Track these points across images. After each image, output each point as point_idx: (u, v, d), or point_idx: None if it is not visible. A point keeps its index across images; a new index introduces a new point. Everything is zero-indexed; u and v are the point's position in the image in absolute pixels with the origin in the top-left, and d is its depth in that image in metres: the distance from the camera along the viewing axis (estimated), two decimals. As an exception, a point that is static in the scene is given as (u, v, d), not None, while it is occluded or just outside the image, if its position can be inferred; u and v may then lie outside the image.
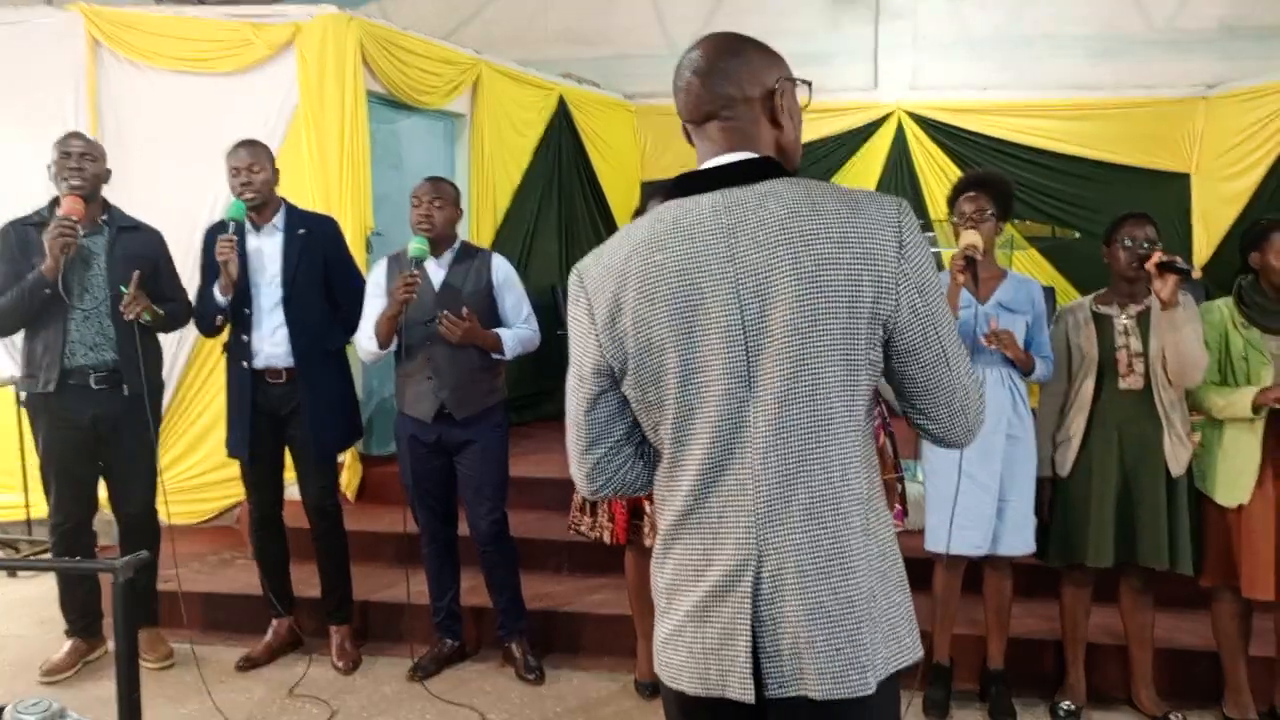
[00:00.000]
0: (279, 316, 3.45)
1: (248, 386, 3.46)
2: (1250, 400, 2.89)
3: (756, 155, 1.40)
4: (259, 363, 3.47)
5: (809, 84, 1.48)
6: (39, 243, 3.29)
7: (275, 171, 3.53)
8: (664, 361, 1.36)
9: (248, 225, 3.47)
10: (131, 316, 3.30)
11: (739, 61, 1.41)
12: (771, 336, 1.32)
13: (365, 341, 3.38)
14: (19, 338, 3.51)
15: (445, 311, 3.25)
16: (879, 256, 1.31)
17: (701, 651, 1.38)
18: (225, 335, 3.58)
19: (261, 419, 3.49)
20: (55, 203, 3.41)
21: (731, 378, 1.33)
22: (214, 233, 3.47)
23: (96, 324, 3.37)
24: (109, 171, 3.50)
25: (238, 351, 3.48)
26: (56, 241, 3.18)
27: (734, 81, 1.40)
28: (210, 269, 3.46)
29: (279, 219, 3.52)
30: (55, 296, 3.27)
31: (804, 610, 1.33)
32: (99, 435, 3.44)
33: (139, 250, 3.46)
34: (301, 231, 3.52)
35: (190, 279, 4.79)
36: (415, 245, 3.26)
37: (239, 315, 3.44)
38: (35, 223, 3.39)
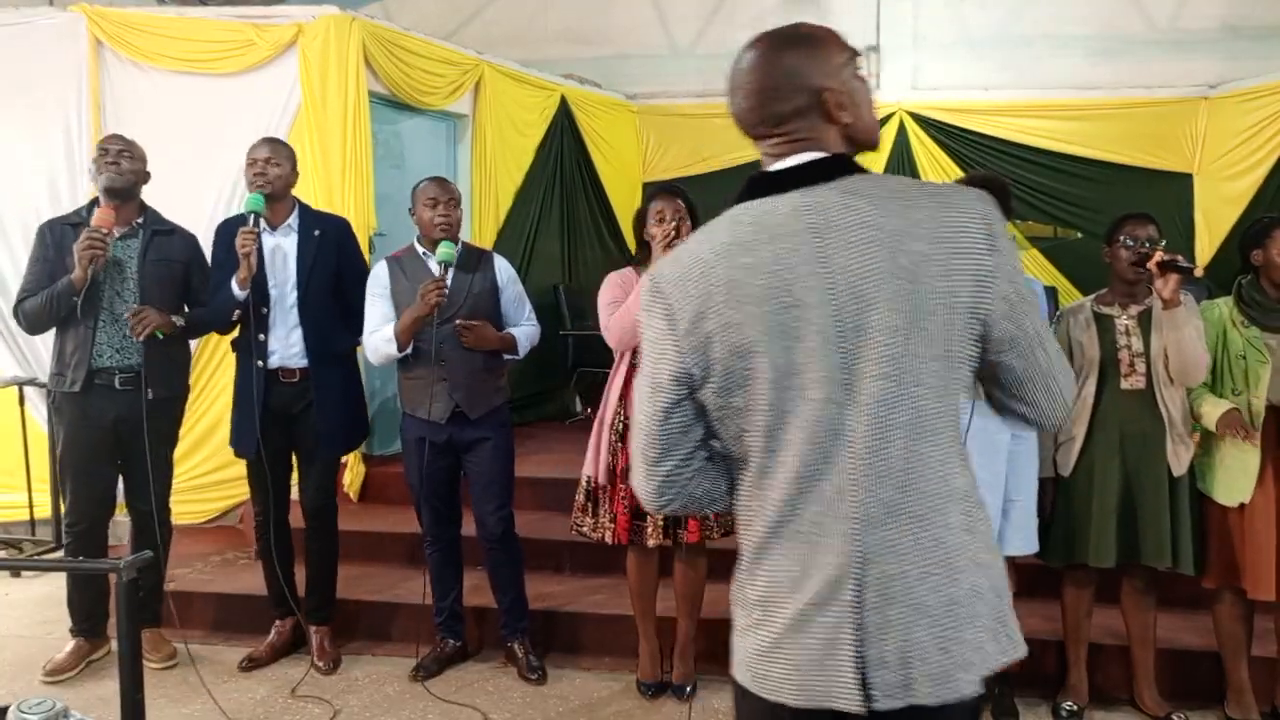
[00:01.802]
0: (295, 317, 3.46)
1: (261, 385, 3.46)
2: (1216, 418, 2.90)
3: (827, 155, 1.37)
4: (274, 362, 3.46)
5: (857, 54, 1.43)
6: (75, 244, 3.30)
7: (295, 172, 3.54)
8: (754, 365, 1.32)
9: (263, 224, 3.45)
10: (140, 335, 3.31)
11: (780, 73, 1.37)
12: (870, 338, 1.28)
13: (383, 345, 3.35)
14: (32, 341, 3.53)
15: (459, 321, 3.26)
16: (972, 252, 1.30)
17: (805, 663, 1.33)
18: (234, 333, 3.57)
19: (270, 418, 3.48)
20: (95, 203, 3.44)
21: (830, 382, 1.30)
22: (227, 227, 3.47)
23: (125, 326, 3.37)
24: (148, 173, 3.52)
25: (251, 350, 3.47)
26: (86, 253, 3.20)
27: (782, 96, 1.37)
28: (223, 264, 3.44)
29: (294, 219, 3.53)
30: (84, 302, 3.29)
31: (910, 615, 1.30)
32: (119, 436, 3.45)
33: (172, 254, 3.49)
34: (317, 232, 3.53)
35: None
36: (445, 250, 3.28)
37: (256, 314, 3.43)
38: (74, 223, 3.42)
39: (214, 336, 4.64)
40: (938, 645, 1.29)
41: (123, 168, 3.39)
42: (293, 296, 3.46)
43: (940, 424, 1.32)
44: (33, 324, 3.43)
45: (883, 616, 1.30)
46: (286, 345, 3.47)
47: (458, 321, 3.28)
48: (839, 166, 1.36)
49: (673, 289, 1.37)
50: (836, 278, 1.29)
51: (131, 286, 3.40)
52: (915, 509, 1.31)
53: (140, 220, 3.48)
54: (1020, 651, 1.38)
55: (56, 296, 3.30)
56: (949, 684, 1.30)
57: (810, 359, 1.30)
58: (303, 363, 3.47)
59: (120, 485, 3.60)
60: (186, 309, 3.55)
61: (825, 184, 1.34)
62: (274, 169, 3.44)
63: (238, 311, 3.42)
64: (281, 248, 3.49)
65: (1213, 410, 2.95)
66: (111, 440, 3.46)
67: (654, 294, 1.40)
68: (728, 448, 1.41)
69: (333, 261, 3.52)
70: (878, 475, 1.30)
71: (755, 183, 1.40)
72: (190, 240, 3.60)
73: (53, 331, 3.45)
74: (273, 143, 3.54)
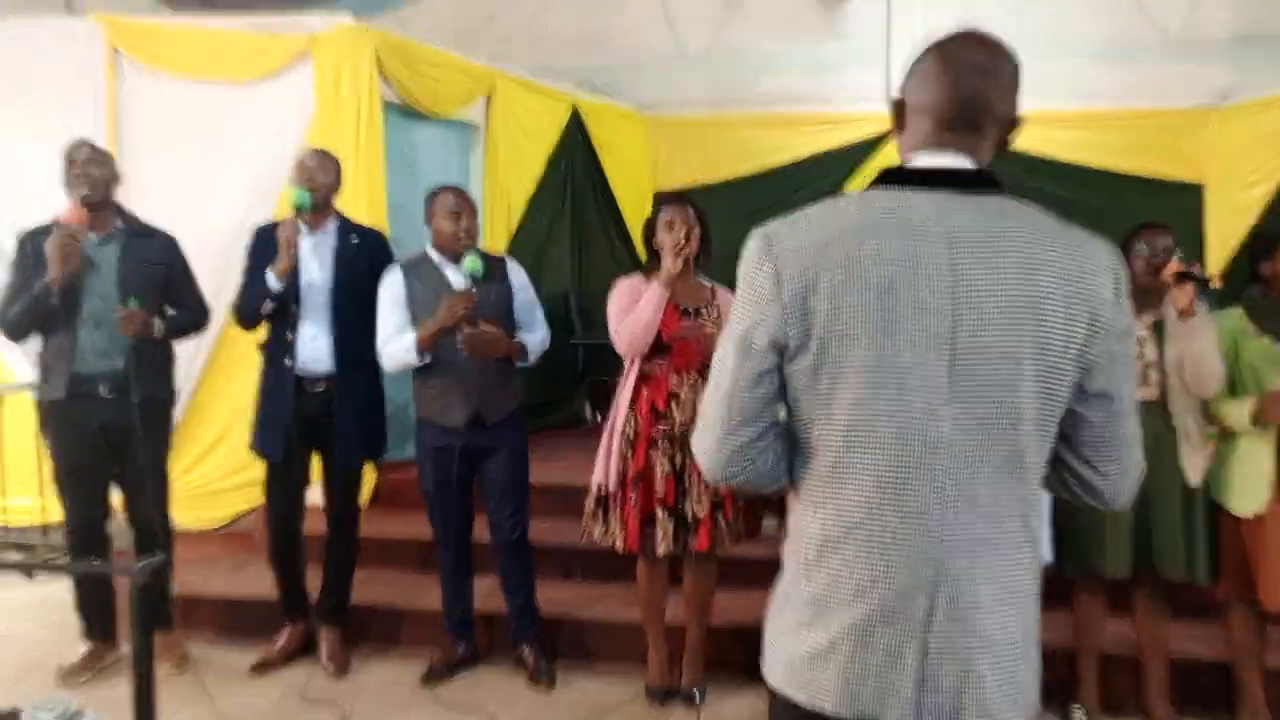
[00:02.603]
0: (324, 322, 3.48)
1: (289, 387, 3.47)
2: (1249, 410, 2.88)
3: (978, 166, 1.34)
4: (300, 366, 3.48)
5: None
6: None
7: (338, 183, 3.58)
8: (853, 353, 1.27)
9: (302, 228, 3.49)
10: (129, 333, 3.32)
11: (1010, 81, 1.34)
12: (984, 358, 1.25)
13: (401, 353, 3.37)
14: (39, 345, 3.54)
15: (467, 330, 3.28)
16: (1096, 300, 1.28)
17: (859, 673, 1.30)
18: (261, 335, 3.58)
19: (296, 423, 3.49)
20: None
21: (931, 391, 1.26)
22: (263, 233, 3.50)
23: (107, 331, 3.38)
24: (119, 176, 3.53)
25: (280, 349, 3.49)
26: (58, 252, 3.21)
27: (1005, 99, 1.34)
28: (256, 267, 3.46)
29: (332, 227, 3.57)
30: (63, 304, 3.30)
31: (975, 642, 1.28)
32: (109, 443, 3.46)
33: (152, 256, 3.49)
34: (355, 240, 3.57)
35: (207, 285, 4.83)
36: (471, 261, 3.30)
37: (286, 314, 3.45)
38: (50, 232, 3.41)
39: (227, 341, 4.68)
40: (994, 678, 1.29)
41: (95, 177, 3.39)
42: (323, 299, 3.48)
43: (1033, 462, 1.31)
44: (13, 330, 3.44)
45: (948, 640, 1.28)
46: (313, 348, 3.48)
47: (466, 330, 3.29)
48: (989, 183, 1.34)
49: (784, 253, 1.31)
50: (961, 289, 1.26)
51: (113, 290, 3.39)
52: (995, 540, 1.29)
53: (118, 224, 3.48)
54: (1039, 708, 1.39)
55: (35, 299, 3.30)
56: (996, 718, 1.29)
57: (916, 362, 1.26)
58: (327, 368, 3.48)
59: (120, 494, 3.61)
60: (169, 311, 3.55)
61: (972, 195, 1.32)
62: (322, 177, 3.49)
63: (269, 303, 3.43)
64: (318, 251, 3.52)
65: (1239, 409, 2.92)
66: (101, 445, 3.46)
67: (765, 254, 1.32)
68: (797, 431, 1.35)
69: (366, 271, 3.52)
70: (966, 499, 1.28)
71: (895, 173, 1.36)
72: (170, 242, 3.60)
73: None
74: (321, 155, 3.60)
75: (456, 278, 3.39)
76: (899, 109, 1.40)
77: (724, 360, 1.36)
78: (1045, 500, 1.48)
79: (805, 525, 1.36)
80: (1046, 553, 3.11)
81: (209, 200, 4.64)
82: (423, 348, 3.33)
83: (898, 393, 1.27)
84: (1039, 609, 1.36)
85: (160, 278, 3.52)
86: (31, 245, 3.42)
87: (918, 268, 1.26)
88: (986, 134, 1.34)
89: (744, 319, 1.33)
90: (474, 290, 3.28)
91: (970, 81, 1.32)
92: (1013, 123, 1.36)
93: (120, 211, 3.54)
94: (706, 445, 1.38)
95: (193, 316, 3.64)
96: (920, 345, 1.26)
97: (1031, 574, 1.34)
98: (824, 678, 1.32)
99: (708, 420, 1.38)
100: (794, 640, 1.36)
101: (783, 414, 1.36)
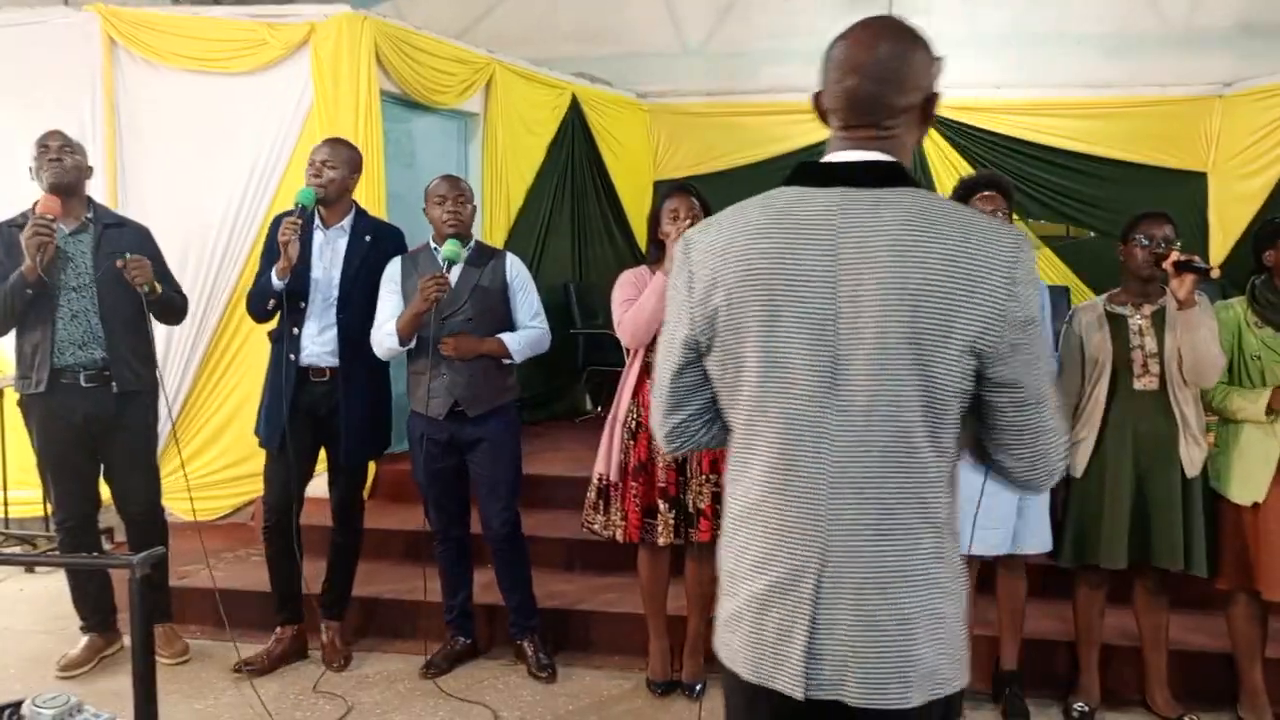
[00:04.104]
0: (331, 316, 3.45)
1: (292, 380, 3.45)
2: (1265, 402, 2.87)
3: (886, 159, 1.36)
4: (305, 358, 3.46)
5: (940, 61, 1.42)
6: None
7: (354, 175, 3.53)
8: (746, 347, 1.37)
9: (317, 222, 3.46)
10: (139, 280, 3.27)
11: (906, 64, 1.35)
12: (863, 345, 1.30)
13: (385, 339, 3.37)
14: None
15: (443, 339, 3.27)
16: (985, 292, 1.28)
17: (758, 642, 1.39)
18: (269, 324, 3.56)
19: (298, 415, 3.47)
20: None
21: (816, 380, 1.32)
22: (279, 222, 3.46)
23: (84, 323, 3.36)
24: (91, 168, 3.51)
25: (285, 344, 3.47)
26: (33, 241, 3.18)
27: (901, 89, 1.35)
28: (271, 254, 3.44)
29: (348, 221, 3.53)
30: (40, 296, 3.27)
31: (858, 621, 1.33)
32: (93, 434, 3.44)
33: (125, 247, 3.43)
34: (368, 237, 3.53)
35: (207, 276, 4.82)
36: (450, 247, 3.29)
37: (293, 308, 3.43)
38: (20, 224, 3.37)
39: (226, 332, 4.68)
40: (878, 654, 1.33)
41: (65, 164, 3.36)
42: (333, 296, 3.46)
43: (925, 448, 1.33)
44: None
45: (833, 615, 1.34)
46: (319, 343, 3.45)
47: (442, 339, 3.28)
48: (894, 175, 1.35)
49: (697, 256, 1.43)
50: (844, 280, 1.31)
51: (87, 282, 3.36)
52: (884, 524, 1.33)
53: (89, 215, 3.45)
54: (963, 683, 1.40)
55: (10, 291, 3.27)
56: (879, 692, 1.33)
57: (800, 353, 1.33)
58: (333, 362, 3.46)
59: (109, 490, 3.59)
60: (144, 302, 3.48)
61: (870, 189, 1.33)
62: (329, 171, 3.44)
63: (273, 301, 3.41)
64: (332, 247, 3.49)
65: (1246, 401, 2.91)
66: (87, 437, 3.44)
67: (684, 258, 1.45)
68: (723, 413, 1.48)
69: (379, 268, 3.48)
70: (852, 482, 1.33)
71: (806, 169, 1.40)
72: (143, 232, 3.57)
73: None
74: (334, 144, 3.54)
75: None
76: (817, 105, 1.44)
77: (659, 351, 1.52)
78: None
79: (727, 500, 1.48)
80: (1046, 543, 3.10)
81: (207, 191, 4.64)
82: (403, 333, 3.32)
83: (785, 383, 1.34)
84: (959, 591, 1.38)
85: None
86: (2, 239, 3.38)
87: (802, 263, 1.33)
88: (893, 125, 1.37)
89: (670, 319, 1.48)
90: (446, 275, 3.25)
91: (863, 82, 1.35)
92: (928, 100, 1.38)
93: (91, 203, 3.51)
94: (655, 422, 1.56)
95: (174, 297, 3.59)
96: (804, 336, 1.33)
97: (933, 557, 1.35)
98: (735, 642, 1.43)
99: (654, 402, 1.55)
100: (720, 605, 1.48)
101: (712, 395, 1.49)
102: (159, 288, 3.40)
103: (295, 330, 3.44)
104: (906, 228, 1.30)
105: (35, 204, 3.39)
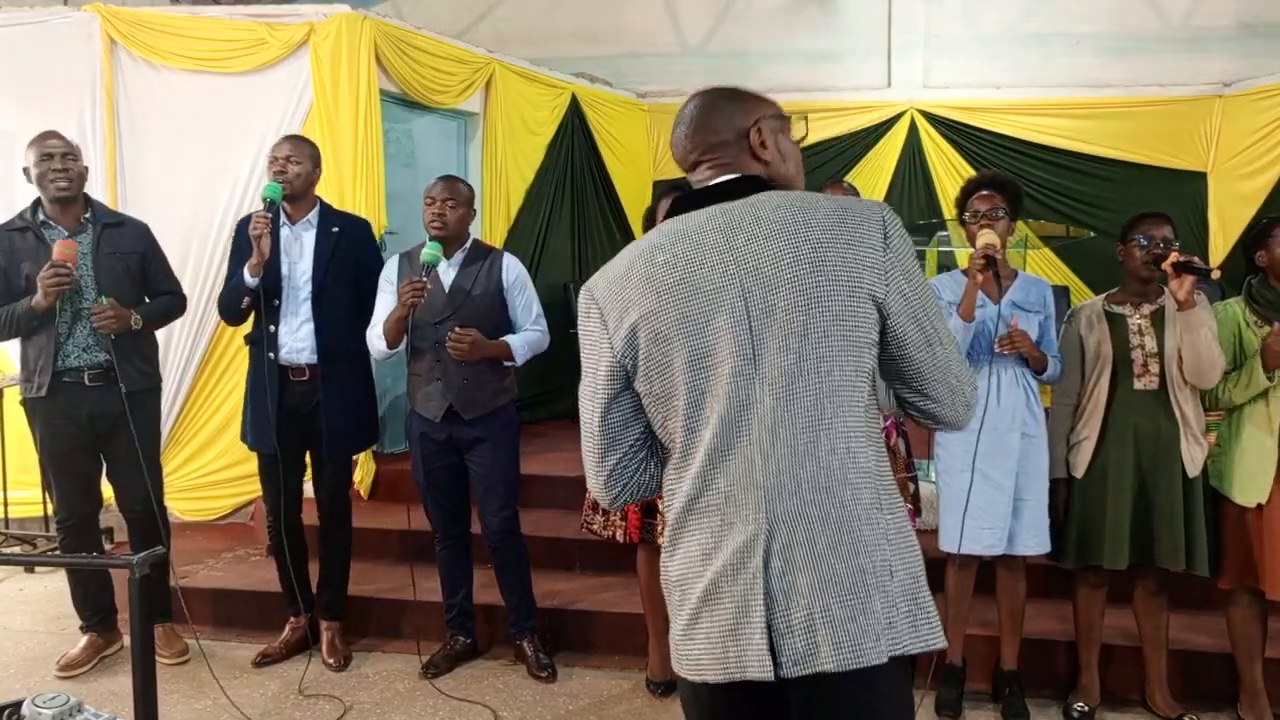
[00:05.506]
0: (306, 312, 3.46)
1: (275, 380, 3.45)
2: (1257, 363, 2.85)
3: (745, 174, 1.50)
4: (283, 356, 3.46)
5: (805, 118, 1.61)
6: (25, 249, 3.30)
7: (317, 170, 3.54)
8: (672, 350, 1.43)
9: (283, 219, 3.46)
10: (111, 329, 3.29)
11: (715, 114, 1.54)
12: (775, 316, 1.39)
13: (375, 340, 3.39)
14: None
15: (450, 334, 3.25)
16: (867, 244, 1.41)
17: (718, 635, 1.39)
18: (247, 327, 3.57)
19: (284, 415, 3.46)
20: (38, 204, 3.41)
21: (738, 357, 1.39)
22: (243, 225, 3.47)
23: (87, 325, 3.35)
24: (88, 168, 3.51)
25: (263, 343, 3.47)
26: (51, 287, 3.19)
27: (713, 130, 1.53)
28: (239, 255, 3.45)
29: (313, 215, 3.53)
30: (44, 317, 3.28)
31: (817, 581, 1.35)
32: (97, 433, 3.45)
33: (125, 246, 3.46)
34: (335, 230, 3.53)
35: (207, 276, 4.82)
36: (428, 250, 3.28)
37: (268, 306, 3.43)
38: (19, 228, 3.38)
39: (226, 332, 4.67)
40: (845, 612, 1.35)
41: (71, 174, 3.35)
42: (306, 291, 3.46)
43: (847, 399, 1.40)
44: None
45: (790, 583, 1.36)
46: (296, 339, 3.46)
47: (450, 334, 3.27)
48: (755, 185, 1.49)
49: (601, 293, 1.51)
50: (743, 264, 1.41)
51: (89, 283, 3.36)
52: (822, 480, 1.38)
53: (88, 215, 3.45)
54: (939, 644, 1.41)
55: (17, 320, 3.30)
56: (854, 651, 1.34)
57: (720, 338, 1.41)
58: (311, 359, 3.46)
59: (111, 488, 3.59)
60: (147, 299, 3.52)
61: (740, 198, 1.47)
62: (294, 167, 3.44)
63: (248, 299, 3.41)
64: (299, 242, 3.49)
65: (1249, 371, 2.89)
66: (90, 436, 3.44)
67: (588, 302, 1.53)
68: (658, 435, 1.51)
69: (350, 260, 3.50)
70: (784, 446, 1.39)
71: (679, 201, 1.53)
72: (142, 229, 3.57)
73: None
74: (295, 141, 3.54)
75: (441, 266, 3.37)
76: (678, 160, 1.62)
77: (582, 401, 1.55)
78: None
79: (666, 510, 1.50)
80: (1045, 544, 3.09)
81: (207, 191, 4.63)
82: (389, 337, 3.32)
83: (712, 370, 1.41)
84: (907, 541, 1.42)
85: (135, 266, 3.49)
86: (1, 244, 3.37)
87: (702, 262, 1.43)
88: (730, 152, 1.53)
89: (588, 362, 1.53)
90: (424, 280, 3.24)
91: (680, 128, 1.58)
92: (750, 132, 1.53)
93: (90, 202, 3.50)
94: (590, 475, 1.57)
95: (169, 303, 3.60)
96: (720, 322, 1.41)
97: (877, 509, 1.40)
98: (696, 649, 1.43)
99: (585, 454, 1.56)
100: (674, 626, 1.49)
101: (644, 428, 1.53)
102: (137, 321, 3.40)
103: (272, 328, 3.44)
104: (787, 209, 1.43)
105: (34, 205, 3.40)
